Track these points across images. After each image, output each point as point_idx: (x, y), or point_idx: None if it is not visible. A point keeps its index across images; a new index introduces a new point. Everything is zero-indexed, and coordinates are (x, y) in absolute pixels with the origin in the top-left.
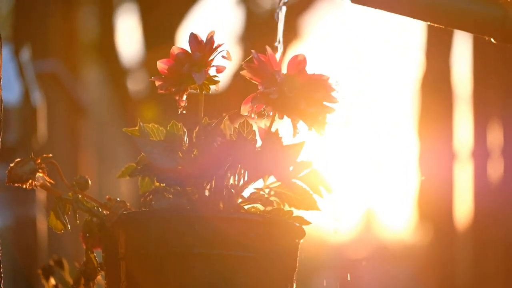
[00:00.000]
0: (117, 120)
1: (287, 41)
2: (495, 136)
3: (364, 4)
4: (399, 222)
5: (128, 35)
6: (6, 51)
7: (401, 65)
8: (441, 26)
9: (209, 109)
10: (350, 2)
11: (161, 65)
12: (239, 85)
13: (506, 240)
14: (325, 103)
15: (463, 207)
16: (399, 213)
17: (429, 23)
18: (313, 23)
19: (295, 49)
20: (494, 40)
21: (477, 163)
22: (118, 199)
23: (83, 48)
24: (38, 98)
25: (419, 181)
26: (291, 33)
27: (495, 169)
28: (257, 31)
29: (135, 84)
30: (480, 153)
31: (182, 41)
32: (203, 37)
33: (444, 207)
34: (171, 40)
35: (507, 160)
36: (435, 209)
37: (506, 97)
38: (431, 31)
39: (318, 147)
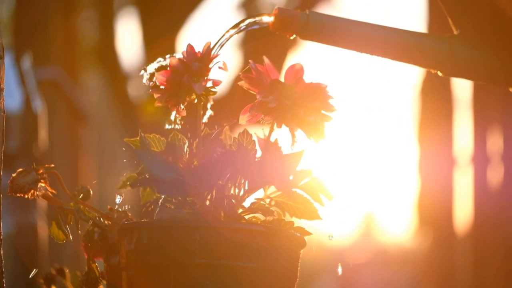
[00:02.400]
0: (118, 126)
1: (286, 48)
2: (495, 142)
3: (314, 41)
4: (399, 227)
5: (129, 40)
6: (7, 59)
7: (401, 70)
8: (391, 60)
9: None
10: (299, 38)
11: (159, 76)
12: (238, 91)
13: (506, 246)
14: (323, 111)
15: (463, 212)
16: (399, 218)
17: (378, 57)
18: None
19: (294, 57)
20: (441, 73)
21: (477, 168)
22: (120, 209)
23: (83, 55)
24: (39, 105)
25: (418, 187)
26: (290, 39)
27: (495, 175)
28: (257, 36)
29: (135, 90)
30: (480, 158)
31: (182, 46)
32: (201, 47)
33: (444, 212)
34: (171, 45)
35: (507, 165)
36: (435, 214)
37: (506, 102)
38: None
39: (318, 153)
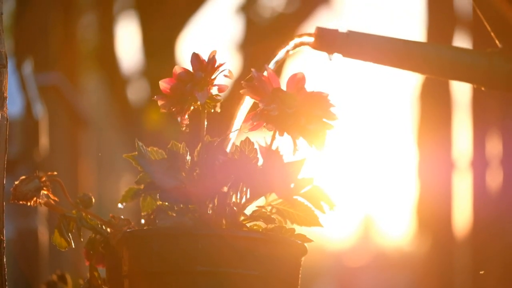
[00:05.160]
0: (119, 131)
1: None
2: (494, 145)
3: (355, 58)
4: (398, 230)
5: (129, 44)
6: (8, 65)
7: (400, 73)
8: (432, 76)
9: (209, 118)
10: (341, 56)
11: (163, 84)
12: (238, 96)
13: (505, 249)
14: (324, 120)
15: (462, 216)
16: (398, 221)
17: (419, 74)
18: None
19: (292, 61)
20: (483, 87)
21: (476, 172)
22: (122, 217)
23: (84, 60)
24: (40, 110)
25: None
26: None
27: (494, 178)
28: (257, 39)
29: (136, 94)
30: (479, 162)
31: (182, 50)
32: (205, 55)
33: (443, 216)
34: (171, 49)
35: (506, 169)
36: (434, 217)
37: (505, 106)
38: (430, 38)
39: (319, 160)
